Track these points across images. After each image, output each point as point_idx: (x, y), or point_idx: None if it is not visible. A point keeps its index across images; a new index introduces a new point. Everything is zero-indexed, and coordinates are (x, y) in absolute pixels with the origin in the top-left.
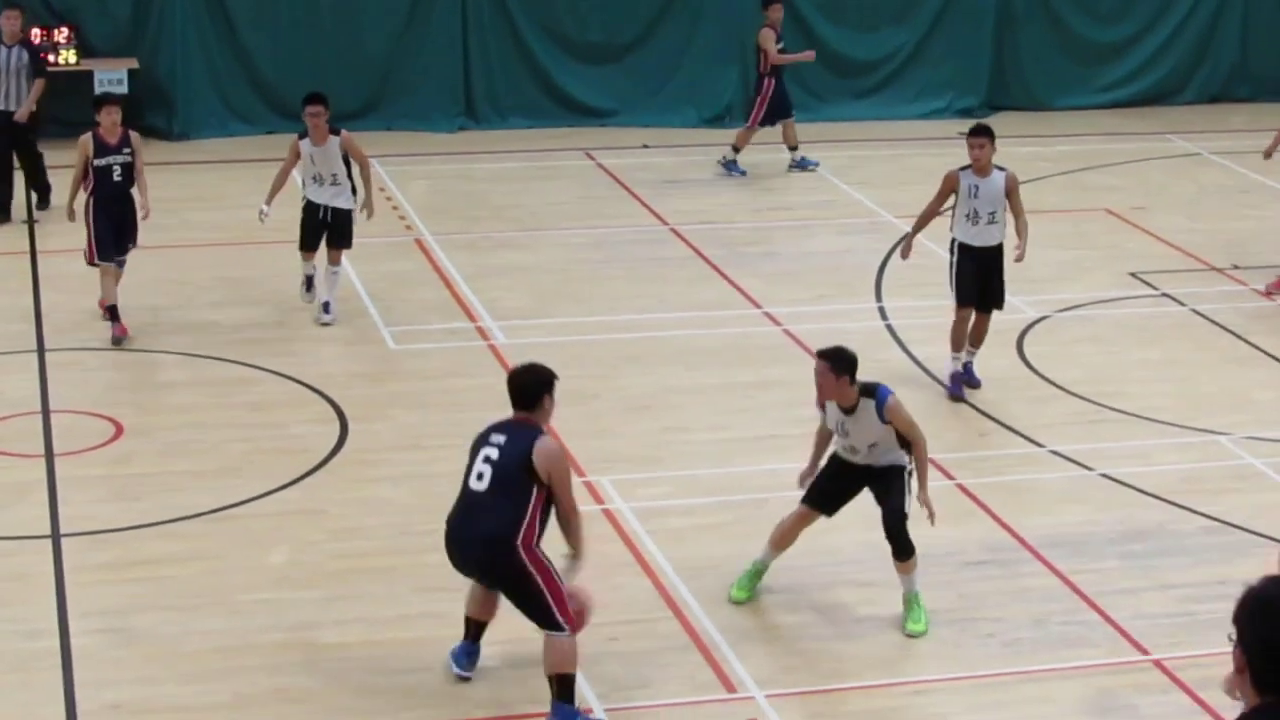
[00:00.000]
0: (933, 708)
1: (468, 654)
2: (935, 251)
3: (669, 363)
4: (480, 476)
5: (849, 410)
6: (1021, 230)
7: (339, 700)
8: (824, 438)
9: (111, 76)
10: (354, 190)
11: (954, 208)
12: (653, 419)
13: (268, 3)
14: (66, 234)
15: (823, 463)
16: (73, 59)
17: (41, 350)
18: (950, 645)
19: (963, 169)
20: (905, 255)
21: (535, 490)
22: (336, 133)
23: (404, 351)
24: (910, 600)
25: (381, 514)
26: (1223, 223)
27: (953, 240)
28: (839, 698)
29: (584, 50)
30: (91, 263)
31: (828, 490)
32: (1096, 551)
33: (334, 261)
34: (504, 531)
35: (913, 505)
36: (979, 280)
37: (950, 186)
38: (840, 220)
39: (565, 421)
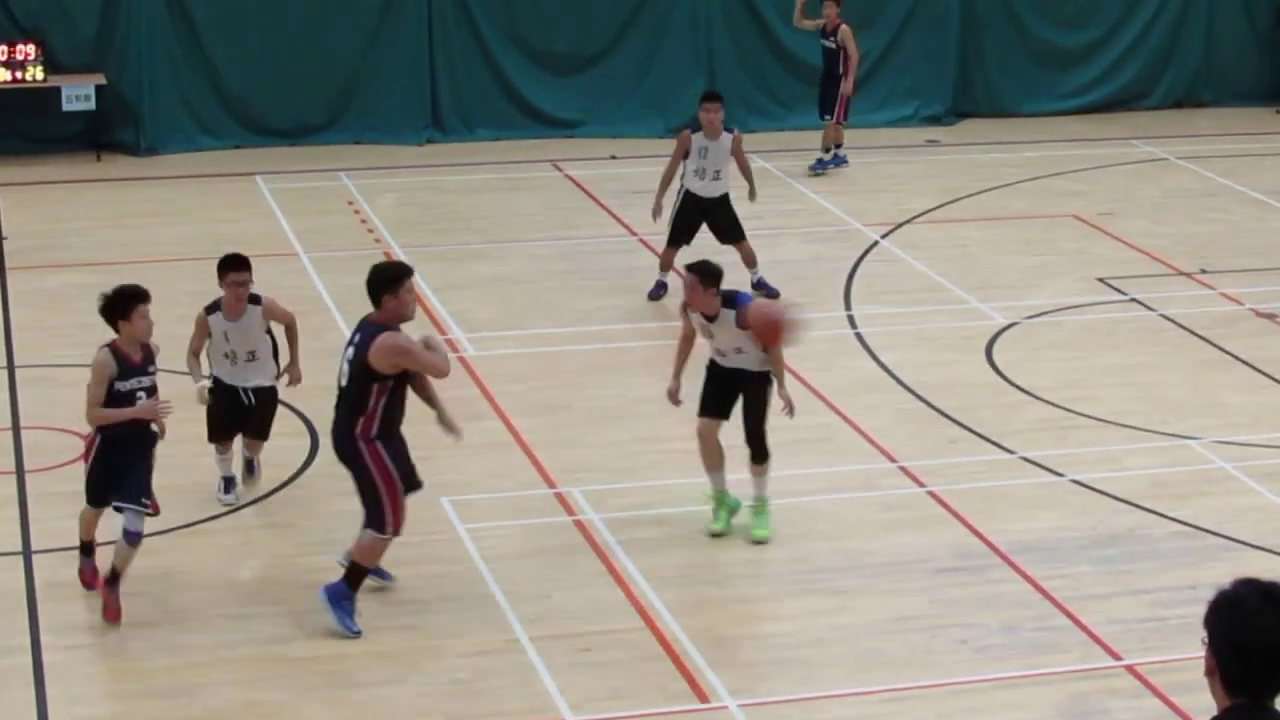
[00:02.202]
0: (906, 715)
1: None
2: (903, 259)
3: (639, 373)
4: (342, 374)
5: (711, 318)
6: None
7: (310, 714)
8: (685, 344)
9: (79, 92)
10: (277, 362)
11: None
12: (623, 429)
13: (234, 17)
14: (37, 251)
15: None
16: (39, 75)
17: (11, 366)
18: (922, 652)
19: (694, 131)
20: (655, 217)
21: (374, 385)
22: (257, 301)
23: None
24: (759, 505)
25: (352, 528)
26: (1190, 226)
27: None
28: (812, 706)
29: (550, 61)
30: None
31: (714, 394)
32: (1068, 557)
33: (252, 450)
34: (344, 422)
35: (773, 407)
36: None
37: (684, 146)
38: (808, 229)
39: (536, 432)
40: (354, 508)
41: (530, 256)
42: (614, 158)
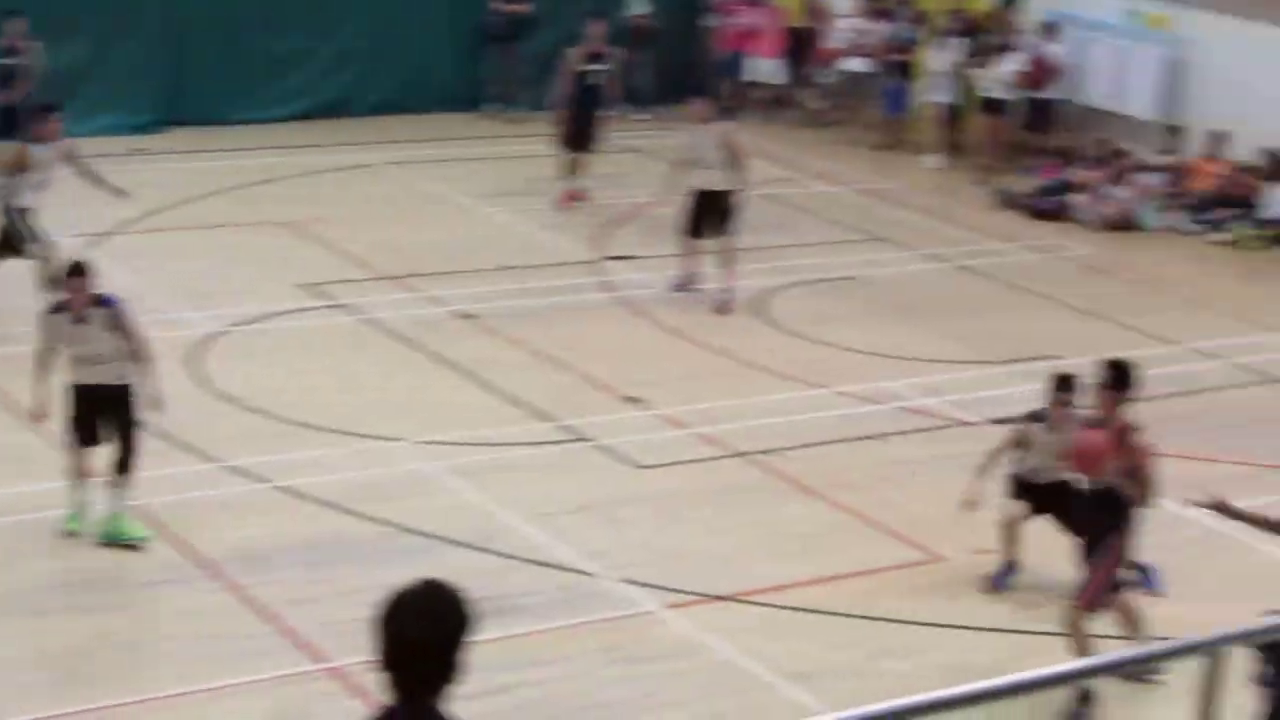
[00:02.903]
0: None
1: None
2: (109, 270)
3: None
4: None
5: (79, 320)
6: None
7: None
8: (48, 357)
9: None
10: None
11: None
12: None
13: None
14: None
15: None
16: None
17: None
18: (127, 668)
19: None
20: None
21: None
22: None
23: None
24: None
25: None
26: (395, 231)
27: None
28: None
29: None
30: None
31: (85, 422)
32: (275, 563)
33: None
34: None
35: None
36: None
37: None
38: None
39: None
40: None
41: None
42: None
